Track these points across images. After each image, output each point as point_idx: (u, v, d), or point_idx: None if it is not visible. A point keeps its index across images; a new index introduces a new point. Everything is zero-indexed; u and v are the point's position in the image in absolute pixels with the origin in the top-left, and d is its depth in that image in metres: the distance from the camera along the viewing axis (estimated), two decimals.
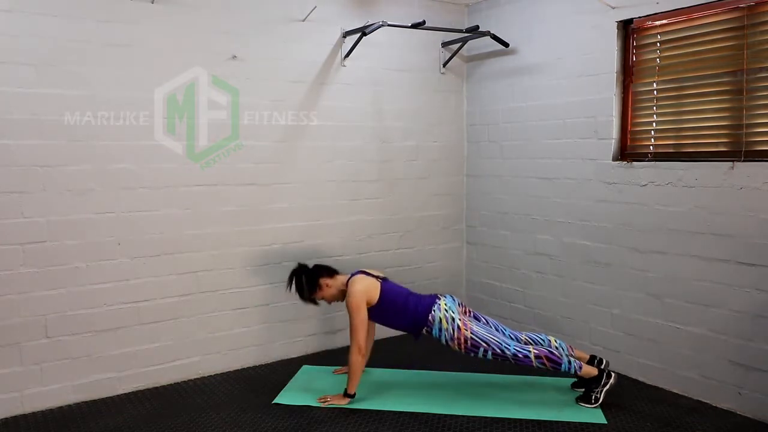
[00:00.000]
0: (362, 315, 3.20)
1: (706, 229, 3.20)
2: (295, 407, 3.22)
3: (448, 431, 2.95)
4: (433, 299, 3.30)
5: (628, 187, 3.56)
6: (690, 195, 3.26)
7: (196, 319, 3.65)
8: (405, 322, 3.30)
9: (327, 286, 3.38)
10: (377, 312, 3.29)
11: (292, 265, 3.94)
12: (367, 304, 3.25)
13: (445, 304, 3.26)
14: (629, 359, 3.61)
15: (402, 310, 3.28)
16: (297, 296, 3.44)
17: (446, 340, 3.20)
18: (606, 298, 3.73)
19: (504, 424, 3.01)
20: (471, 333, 3.16)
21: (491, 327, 3.32)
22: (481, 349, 3.15)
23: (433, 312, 3.22)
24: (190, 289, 3.62)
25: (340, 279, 3.40)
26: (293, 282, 3.41)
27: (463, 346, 3.17)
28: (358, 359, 3.17)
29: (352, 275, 3.37)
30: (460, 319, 3.21)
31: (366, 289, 3.26)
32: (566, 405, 3.21)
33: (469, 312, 3.38)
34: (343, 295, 3.35)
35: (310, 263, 3.52)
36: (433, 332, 3.23)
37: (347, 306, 3.24)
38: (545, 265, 4.12)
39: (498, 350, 3.14)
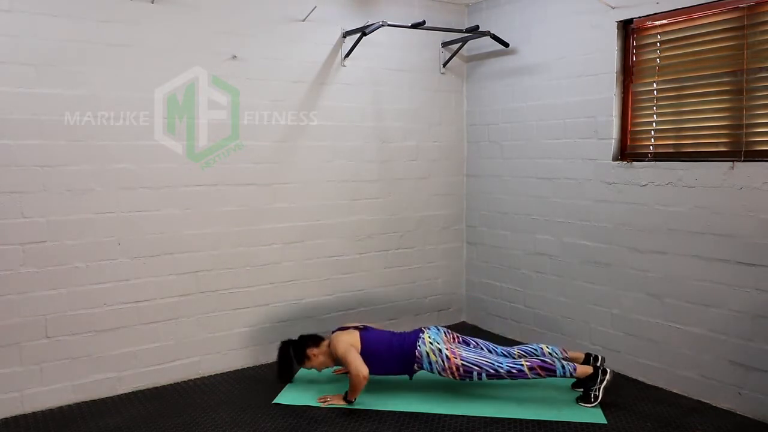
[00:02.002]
0: (355, 353, 3.22)
1: (706, 229, 3.20)
2: (295, 407, 3.22)
3: (448, 431, 2.95)
4: (416, 335, 3.33)
5: (628, 187, 3.56)
6: (690, 195, 3.26)
7: (196, 319, 3.65)
8: (393, 365, 3.33)
9: (314, 355, 3.42)
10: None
11: (293, 265, 3.96)
12: None
13: (429, 337, 3.29)
14: (629, 359, 3.61)
15: (387, 354, 3.30)
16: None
17: (438, 372, 3.23)
18: (606, 298, 3.73)
19: (504, 424, 3.01)
20: (461, 360, 3.19)
21: (482, 349, 3.35)
22: (475, 373, 3.17)
23: (418, 347, 3.25)
24: (190, 289, 3.62)
25: (324, 344, 3.45)
26: (282, 361, 3.46)
27: (456, 374, 3.20)
28: (361, 381, 3.16)
29: (332, 334, 3.44)
30: (447, 349, 3.23)
31: (348, 340, 3.30)
32: (566, 405, 3.21)
33: (457, 338, 3.41)
34: (330, 358, 3.40)
35: (294, 335, 3.56)
36: (424, 367, 3.26)
37: (340, 357, 3.26)
38: (545, 265, 4.12)
39: (491, 371, 3.16)
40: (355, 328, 3.46)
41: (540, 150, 4.11)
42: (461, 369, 3.18)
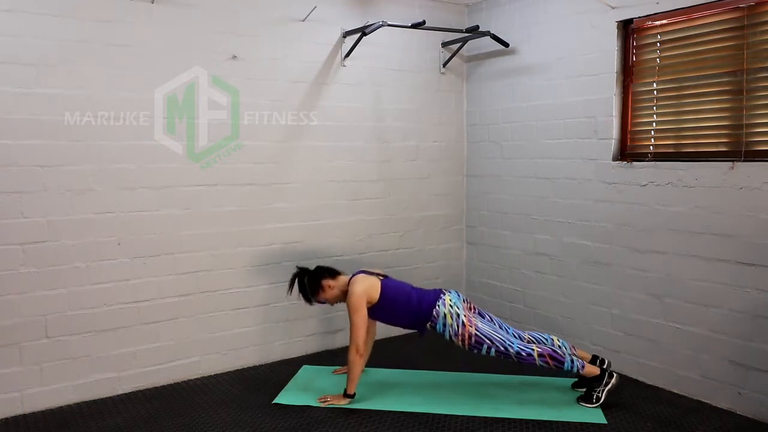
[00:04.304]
0: (362, 314, 3.20)
1: (706, 229, 3.20)
2: (295, 407, 3.22)
3: (448, 431, 2.95)
4: (437, 294, 3.29)
5: (628, 187, 3.56)
6: (690, 195, 3.26)
7: (196, 319, 3.65)
8: (408, 319, 3.29)
9: (329, 287, 3.37)
10: (380, 310, 3.28)
11: (293, 265, 3.95)
12: (369, 303, 3.25)
13: (450, 300, 3.25)
14: (629, 359, 3.61)
15: (405, 307, 3.26)
16: (298, 297, 3.43)
17: (450, 336, 3.19)
18: (606, 298, 3.73)
19: (504, 424, 3.01)
20: (475, 329, 3.15)
21: (495, 324, 3.32)
22: (485, 346, 3.14)
23: (437, 307, 3.21)
24: (190, 289, 3.62)
25: (342, 279, 3.39)
26: (294, 285, 3.40)
27: (466, 342, 3.16)
28: (356, 359, 3.16)
29: (354, 275, 3.37)
30: (464, 315, 3.20)
31: (367, 289, 3.25)
32: (566, 405, 3.20)
33: (474, 308, 3.37)
34: (345, 295, 3.33)
35: (311, 265, 3.50)
36: (437, 327, 3.22)
37: (347, 305, 3.23)
38: (545, 265, 4.12)
39: (501, 347, 3.13)
40: (378, 275, 3.39)
41: (540, 150, 4.11)
42: (473, 338, 3.14)
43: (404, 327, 3.37)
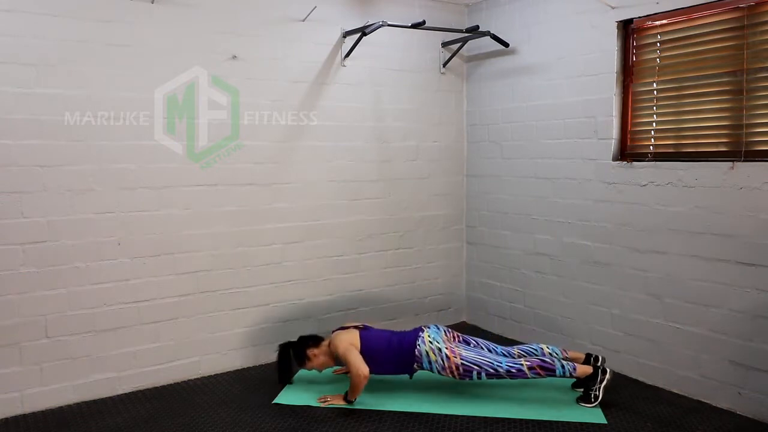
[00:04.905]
0: (355, 353, 3.22)
1: (706, 229, 3.20)
2: (295, 407, 3.23)
3: (448, 431, 2.95)
4: (416, 333, 3.32)
5: (628, 187, 3.56)
6: (690, 195, 3.26)
7: (196, 319, 3.65)
8: (392, 365, 3.32)
9: (314, 355, 3.42)
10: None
11: (293, 265, 3.96)
12: None
13: (429, 336, 3.28)
14: (629, 359, 3.61)
15: (386, 353, 3.30)
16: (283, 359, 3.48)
17: (438, 371, 3.22)
18: (606, 298, 3.73)
19: (504, 424, 3.01)
20: (461, 359, 3.18)
21: (482, 348, 3.34)
22: (474, 373, 3.17)
23: (418, 347, 3.24)
24: (190, 289, 3.62)
25: (324, 344, 3.44)
26: (281, 363, 3.46)
27: (455, 374, 3.19)
28: (363, 381, 3.16)
29: (331, 334, 3.45)
30: (446, 348, 3.22)
31: (349, 339, 3.31)
32: (566, 405, 3.21)
33: (458, 337, 3.41)
34: (331, 357, 3.40)
35: (293, 338, 3.56)
36: (424, 366, 3.25)
37: (340, 356, 3.27)
38: (545, 265, 4.12)
39: (491, 370, 3.16)
40: (355, 327, 3.46)
41: (540, 150, 4.11)
42: (461, 368, 3.18)
43: (391, 373, 3.40)
